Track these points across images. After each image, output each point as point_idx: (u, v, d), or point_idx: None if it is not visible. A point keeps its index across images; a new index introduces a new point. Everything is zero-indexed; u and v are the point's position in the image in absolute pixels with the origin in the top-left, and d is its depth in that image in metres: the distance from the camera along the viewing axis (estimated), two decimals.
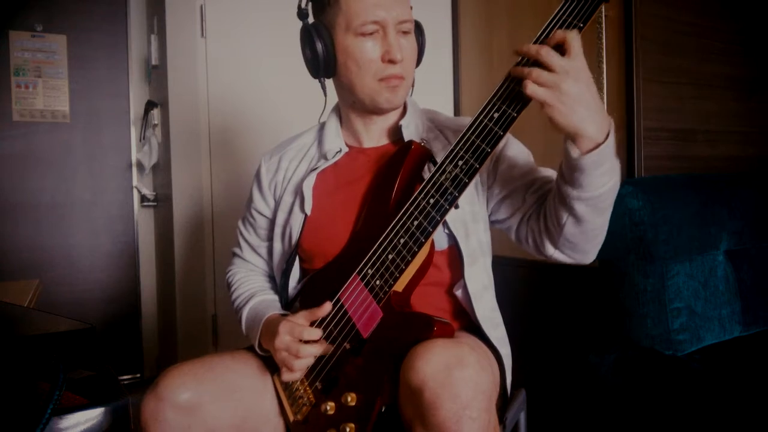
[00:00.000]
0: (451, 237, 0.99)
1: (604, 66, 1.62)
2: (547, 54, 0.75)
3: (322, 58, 1.01)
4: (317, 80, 1.08)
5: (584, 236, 0.89)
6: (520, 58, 0.80)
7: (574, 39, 0.75)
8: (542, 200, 0.95)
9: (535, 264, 1.80)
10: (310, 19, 1.05)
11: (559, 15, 0.79)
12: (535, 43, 0.79)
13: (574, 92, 0.75)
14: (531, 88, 0.76)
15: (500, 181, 1.01)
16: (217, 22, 2.03)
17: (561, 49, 0.77)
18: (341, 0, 0.97)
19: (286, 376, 0.95)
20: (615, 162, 0.82)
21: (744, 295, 1.45)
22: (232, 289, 1.17)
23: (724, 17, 1.77)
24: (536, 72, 0.76)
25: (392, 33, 0.97)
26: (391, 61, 0.97)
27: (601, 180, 0.81)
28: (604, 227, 0.90)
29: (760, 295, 1.48)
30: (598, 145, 0.78)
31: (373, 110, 1.04)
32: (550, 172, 0.99)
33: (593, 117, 0.77)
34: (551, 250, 0.94)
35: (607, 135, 0.79)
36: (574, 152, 0.79)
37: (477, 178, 1.02)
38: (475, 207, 1.02)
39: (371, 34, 0.97)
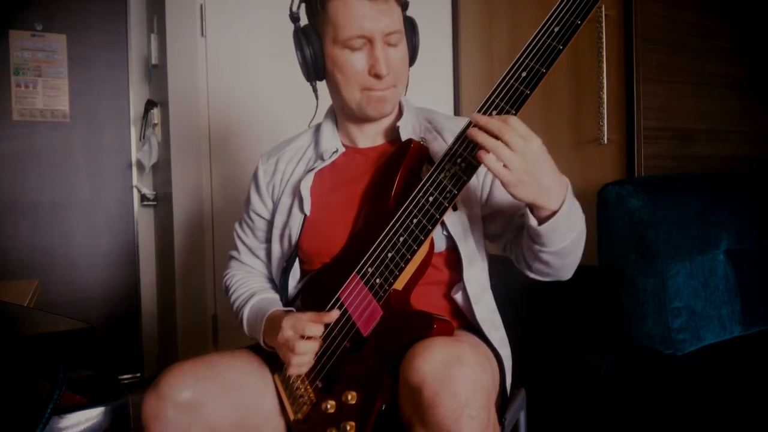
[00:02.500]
0: (450, 239, 1.00)
1: (604, 66, 1.62)
2: (510, 134, 0.78)
3: (311, 63, 1.02)
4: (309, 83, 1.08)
5: (554, 269, 0.95)
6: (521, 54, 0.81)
7: (518, 123, 0.78)
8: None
9: None
10: (303, 21, 1.04)
11: (557, 11, 0.79)
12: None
13: (531, 171, 0.79)
14: (493, 165, 0.79)
15: (494, 193, 1.02)
16: (217, 21, 2.03)
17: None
18: (329, 8, 0.97)
19: (291, 371, 0.95)
20: (572, 220, 0.86)
21: (744, 294, 1.45)
22: (231, 291, 1.17)
23: (724, 17, 1.77)
24: (500, 149, 0.78)
25: (379, 46, 0.97)
26: (377, 76, 0.97)
27: (559, 239, 0.87)
28: (576, 261, 0.95)
29: (760, 294, 1.48)
30: (554, 213, 0.83)
31: (363, 118, 1.05)
32: None
33: (547, 191, 0.82)
34: (528, 272, 1.00)
35: (563, 202, 0.83)
36: (531, 221, 0.86)
37: (476, 182, 1.03)
38: (473, 210, 1.02)
39: (358, 48, 0.97)
